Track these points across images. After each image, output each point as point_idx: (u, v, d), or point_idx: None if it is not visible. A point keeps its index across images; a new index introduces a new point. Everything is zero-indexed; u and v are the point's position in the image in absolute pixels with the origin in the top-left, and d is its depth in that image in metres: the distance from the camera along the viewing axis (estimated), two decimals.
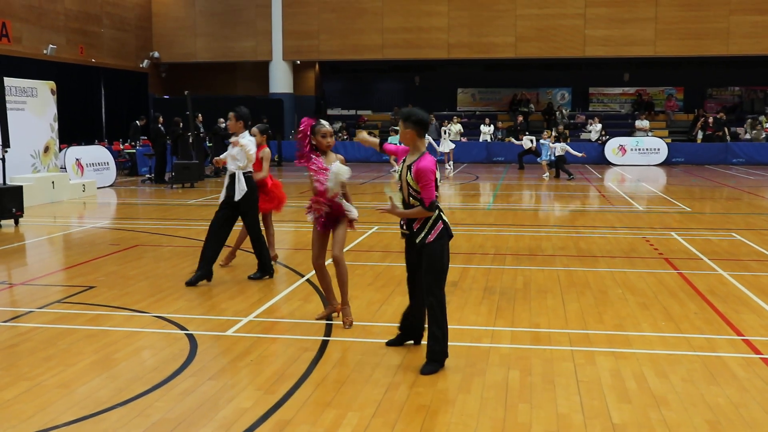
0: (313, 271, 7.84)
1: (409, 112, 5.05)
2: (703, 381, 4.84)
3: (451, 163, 23.50)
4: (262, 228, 8.06)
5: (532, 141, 23.07)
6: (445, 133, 24.06)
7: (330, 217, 5.95)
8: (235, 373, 4.98)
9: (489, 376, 4.89)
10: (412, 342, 5.52)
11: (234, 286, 7.46)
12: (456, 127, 27.18)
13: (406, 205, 5.11)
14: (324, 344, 5.59)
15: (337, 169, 5.84)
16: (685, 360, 5.25)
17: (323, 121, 5.97)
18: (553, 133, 21.34)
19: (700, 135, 27.29)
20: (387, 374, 4.93)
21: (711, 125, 27.05)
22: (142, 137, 23.22)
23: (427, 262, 5.00)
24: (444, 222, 5.06)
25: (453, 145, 23.68)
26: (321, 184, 5.91)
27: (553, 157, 20.34)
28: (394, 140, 21.33)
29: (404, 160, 5.16)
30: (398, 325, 5.53)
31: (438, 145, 22.99)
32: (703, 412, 4.35)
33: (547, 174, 20.44)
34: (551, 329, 6.00)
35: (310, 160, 5.91)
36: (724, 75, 31.17)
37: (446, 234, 5.05)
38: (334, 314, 6.23)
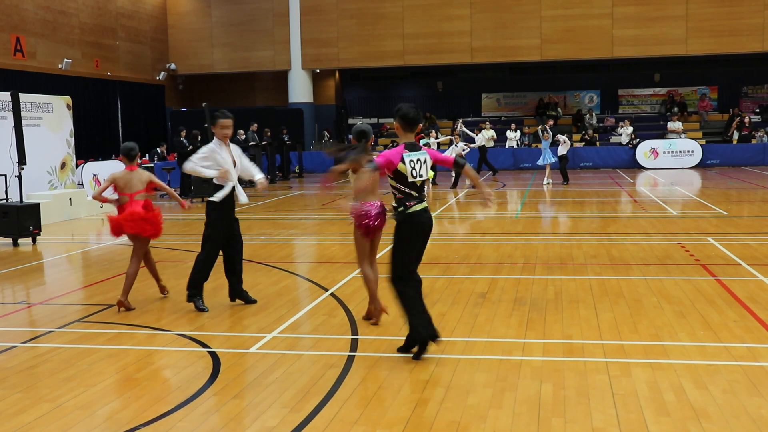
0: (337, 285, 7.87)
1: (399, 107, 5.45)
2: (745, 392, 4.69)
3: (548, 179, 20.11)
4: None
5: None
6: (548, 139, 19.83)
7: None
8: (259, 392, 4.90)
9: (521, 390, 4.77)
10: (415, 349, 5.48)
11: (257, 302, 7.36)
12: (489, 133, 26.46)
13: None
14: (350, 360, 5.49)
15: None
16: (726, 370, 5.09)
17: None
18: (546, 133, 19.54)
19: (735, 135, 26.75)
20: (415, 390, 4.83)
21: (747, 125, 26.50)
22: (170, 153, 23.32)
23: None
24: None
25: (553, 160, 19.68)
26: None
27: (553, 159, 19.56)
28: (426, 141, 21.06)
29: None
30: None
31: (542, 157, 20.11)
32: (745, 424, 4.21)
33: (549, 181, 19.69)
34: (584, 340, 5.85)
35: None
36: (760, 72, 30.49)
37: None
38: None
